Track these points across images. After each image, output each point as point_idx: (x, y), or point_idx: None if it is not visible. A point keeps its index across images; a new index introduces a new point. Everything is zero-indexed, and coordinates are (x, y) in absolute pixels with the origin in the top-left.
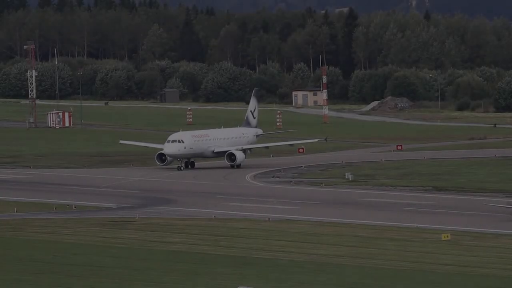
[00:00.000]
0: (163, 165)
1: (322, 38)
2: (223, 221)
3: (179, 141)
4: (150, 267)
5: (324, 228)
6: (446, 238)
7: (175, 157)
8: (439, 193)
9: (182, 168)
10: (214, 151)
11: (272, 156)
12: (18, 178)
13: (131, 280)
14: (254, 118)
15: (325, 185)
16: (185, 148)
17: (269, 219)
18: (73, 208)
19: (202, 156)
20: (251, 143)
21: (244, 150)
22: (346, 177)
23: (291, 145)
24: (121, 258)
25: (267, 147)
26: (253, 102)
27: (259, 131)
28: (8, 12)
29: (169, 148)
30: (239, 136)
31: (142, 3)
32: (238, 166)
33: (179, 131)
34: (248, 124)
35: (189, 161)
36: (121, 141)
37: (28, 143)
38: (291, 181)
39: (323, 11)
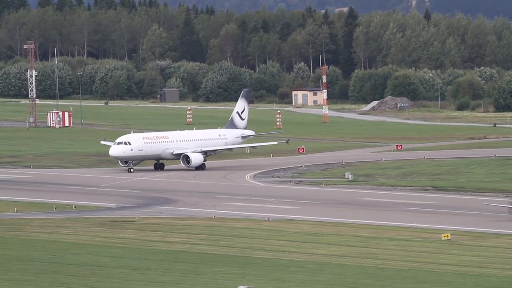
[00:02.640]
0: (125, 166)
1: (322, 38)
2: (223, 221)
3: (125, 143)
4: (150, 267)
5: (324, 228)
6: (446, 238)
7: (121, 159)
8: (439, 193)
9: (132, 170)
10: (174, 153)
11: (272, 156)
12: (18, 178)
13: (131, 280)
14: (243, 119)
15: (325, 185)
16: (131, 150)
17: (269, 219)
18: (73, 208)
19: (160, 158)
20: (232, 145)
21: (205, 152)
22: (346, 177)
23: (253, 147)
24: (121, 258)
25: (231, 149)
26: (241, 103)
27: (247, 132)
28: (8, 12)
29: (113, 150)
30: (213, 138)
31: (142, 2)
32: (202, 168)
33: (131, 132)
34: (233, 125)
35: (158, 163)
36: (102, 142)
37: (28, 143)
38: (291, 181)
39: (323, 11)
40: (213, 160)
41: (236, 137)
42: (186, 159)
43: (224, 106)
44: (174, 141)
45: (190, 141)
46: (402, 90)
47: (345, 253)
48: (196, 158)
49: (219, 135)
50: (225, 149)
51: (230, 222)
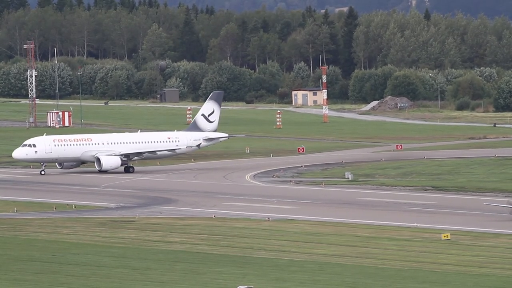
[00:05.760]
0: (60, 168)
1: (322, 38)
2: (223, 220)
3: (29, 146)
4: (150, 267)
5: (324, 227)
6: (446, 238)
7: (25, 162)
8: (439, 192)
9: (43, 173)
10: (95, 156)
11: (272, 156)
12: (18, 178)
13: (131, 280)
14: (211, 122)
15: (325, 184)
16: (36, 152)
17: (269, 218)
18: (73, 207)
19: (80, 160)
20: (188, 148)
21: (126, 156)
22: (346, 176)
23: (171, 150)
24: (121, 258)
25: (154, 152)
26: (209, 106)
27: (212, 135)
28: (8, 12)
29: (16, 153)
30: (158, 141)
31: (142, 2)
32: (129, 171)
33: (43, 135)
34: (196, 127)
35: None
36: None
37: None
38: (291, 181)
39: (323, 11)
40: (212, 160)
41: (195, 140)
42: (98, 161)
43: (224, 106)
44: (98, 144)
45: (121, 144)
46: (402, 90)
47: (345, 253)
48: (108, 161)
49: (168, 138)
50: (150, 152)
51: (230, 222)
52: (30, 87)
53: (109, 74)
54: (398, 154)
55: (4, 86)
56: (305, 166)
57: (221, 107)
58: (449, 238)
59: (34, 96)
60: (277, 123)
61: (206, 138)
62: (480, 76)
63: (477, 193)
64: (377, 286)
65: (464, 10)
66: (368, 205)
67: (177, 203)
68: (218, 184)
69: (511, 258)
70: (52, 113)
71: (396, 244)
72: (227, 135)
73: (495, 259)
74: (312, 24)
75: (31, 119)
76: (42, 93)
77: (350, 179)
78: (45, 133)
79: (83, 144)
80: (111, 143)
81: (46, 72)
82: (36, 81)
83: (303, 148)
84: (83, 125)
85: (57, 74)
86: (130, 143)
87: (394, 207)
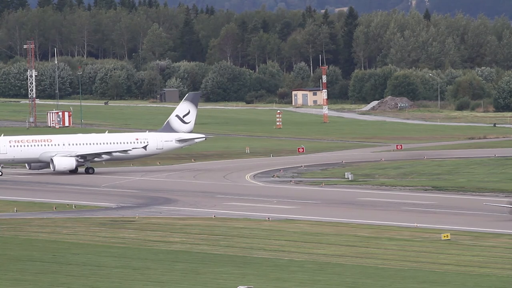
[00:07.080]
0: (29, 169)
1: (322, 38)
2: (223, 220)
3: None
4: (150, 267)
5: (324, 227)
6: (446, 238)
7: None
8: (439, 192)
9: (0, 174)
10: (50, 157)
11: (272, 156)
12: (18, 178)
13: (131, 280)
14: (187, 123)
15: (325, 184)
16: None
17: (269, 218)
18: (73, 207)
19: (39, 161)
20: (159, 149)
21: (83, 157)
22: (346, 176)
23: (123, 151)
24: (121, 258)
25: (110, 153)
26: (184, 107)
27: (185, 136)
28: (8, 12)
29: None
30: (124, 142)
31: (142, 2)
32: (90, 172)
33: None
34: (169, 129)
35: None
36: None
37: None
38: (291, 181)
39: (323, 11)
40: (212, 160)
41: (166, 141)
42: (52, 162)
43: (224, 106)
44: (58, 145)
45: (80, 145)
46: (402, 90)
47: (345, 253)
48: (62, 163)
49: (137, 139)
50: (106, 153)
51: (230, 222)
52: (30, 87)
53: (109, 74)
54: (398, 154)
55: (4, 86)
56: (305, 166)
57: (223, 107)
58: (449, 238)
59: (34, 96)
60: (277, 123)
61: (179, 139)
62: (480, 76)
63: (477, 193)
64: (377, 286)
65: (464, 10)
66: (368, 205)
67: (177, 203)
68: (218, 184)
69: (511, 258)
70: (52, 113)
71: (396, 244)
72: (203, 136)
73: (495, 259)
74: (312, 24)
75: (31, 119)
76: (42, 93)
77: (350, 179)
78: (2, 134)
79: (41, 145)
80: (71, 144)
81: (46, 72)
82: (36, 81)
83: (303, 148)
84: (83, 125)
85: (57, 74)
86: (89, 144)
87: (394, 207)
